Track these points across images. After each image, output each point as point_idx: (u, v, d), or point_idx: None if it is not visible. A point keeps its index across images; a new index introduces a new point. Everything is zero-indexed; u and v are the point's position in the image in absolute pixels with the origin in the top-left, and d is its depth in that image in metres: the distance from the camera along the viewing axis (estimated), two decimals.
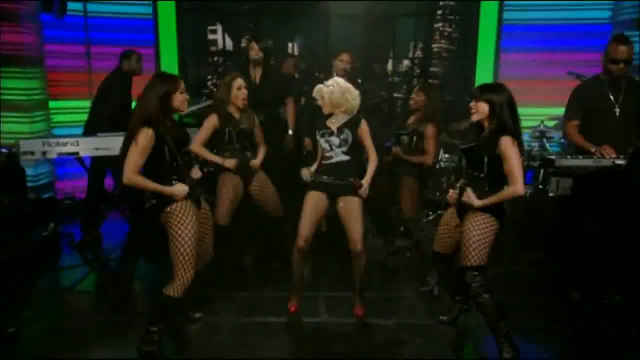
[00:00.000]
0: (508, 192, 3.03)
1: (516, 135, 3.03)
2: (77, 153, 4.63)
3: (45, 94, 6.03)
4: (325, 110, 3.56)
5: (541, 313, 3.82)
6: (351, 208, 3.55)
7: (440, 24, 7.38)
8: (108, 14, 6.59)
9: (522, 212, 4.77)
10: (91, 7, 6.52)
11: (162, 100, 3.00)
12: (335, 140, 3.56)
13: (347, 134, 3.54)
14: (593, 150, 3.69)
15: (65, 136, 4.88)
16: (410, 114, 4.69)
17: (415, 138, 4.53)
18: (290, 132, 4.97)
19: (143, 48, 6.41)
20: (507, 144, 2.98)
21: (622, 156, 3.61)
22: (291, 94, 4.96)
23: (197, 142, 3.99)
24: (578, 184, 3.99)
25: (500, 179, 3.05)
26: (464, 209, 3.19)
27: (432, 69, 7.53)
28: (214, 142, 4.12)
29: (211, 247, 3.40)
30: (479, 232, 3.07)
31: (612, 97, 3.75)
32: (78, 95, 6.44)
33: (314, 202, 3.59)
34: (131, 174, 2.96)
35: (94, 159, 5.06)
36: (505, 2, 6.67)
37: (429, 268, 4.09)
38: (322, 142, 3.62)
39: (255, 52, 4.64)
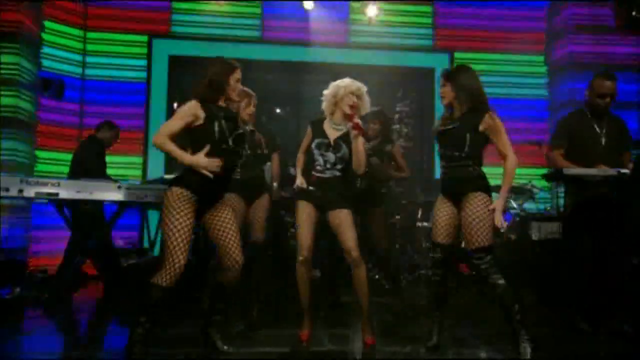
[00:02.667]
0: (512, 165, 2.70)
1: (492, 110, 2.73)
2: (56, 194, 3.76)
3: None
4: (345, 109, 2.92)
5: (559, 346, 3.03)
6: (342, 218, 2.91)
7: (397, 126, 7.29)
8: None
9: (507, 256, 4.17)
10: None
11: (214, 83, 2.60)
12: (331, 157, 2.97)
13: (345, 151, 2.96)
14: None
15: (46, 177, 4.03)
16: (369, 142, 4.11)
17: (384, 159, 3.99)
18: (275, 184, 4.29)
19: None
20: (494, 118, 2.69)
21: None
22: (276, 149, 4.36)
23: None
24: (572, 215, 3.44)
25: (478, 155, 2.75)
26: (456, 193, 2.74)
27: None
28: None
29: (238, 254, 2.64)
30: (482, 212, 2.64)
31: (597, 128, 3.44)
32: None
33: (306, 211, 2.95)
34: (161, 136, 2.50)
35: (79, 214, 4.22)
36: None
37: None
38: (316, 154, 3.00)
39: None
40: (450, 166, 2.76)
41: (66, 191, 3.80)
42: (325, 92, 3.01)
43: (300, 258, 2.87)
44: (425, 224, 5.02)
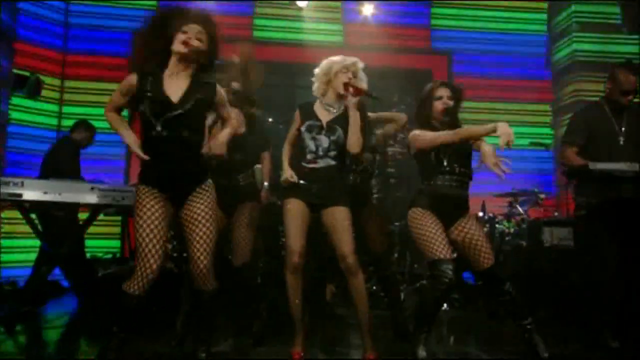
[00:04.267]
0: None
1: None
2: (19, 195, 3.29)
3: None
4: (339, 88, 2.54)
5: None
6: (338, 218, 2.47)
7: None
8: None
9: (519, 265, 3.76)
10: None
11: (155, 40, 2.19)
12: (324, 140, 2.52)
13: (339, 134, 2.53)
14: None
15: (9, 175, 3.57)
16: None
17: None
18: (265, 183, 3.67)
19: None
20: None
21: None
22: (268, 148, 3.76)
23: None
24: (593, 218, 3.01)
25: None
26: (453, 212, 2.51)
27: (388, 170, 6.88)
28: None
29: (200, 257, 2.18)
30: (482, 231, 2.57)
31: (615, 124, 3.03)
32: None
33: (297, 211, 2.51)
34: (106, 110, 2.25)
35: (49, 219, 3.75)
36: None
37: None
38: (306, 138, 2.55)
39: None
40: (453, 180, 2.50)
41: (31, 192, 3.31)
42: (316, 70, 2.61)
43: (291, 265, 2.43)
44: None
